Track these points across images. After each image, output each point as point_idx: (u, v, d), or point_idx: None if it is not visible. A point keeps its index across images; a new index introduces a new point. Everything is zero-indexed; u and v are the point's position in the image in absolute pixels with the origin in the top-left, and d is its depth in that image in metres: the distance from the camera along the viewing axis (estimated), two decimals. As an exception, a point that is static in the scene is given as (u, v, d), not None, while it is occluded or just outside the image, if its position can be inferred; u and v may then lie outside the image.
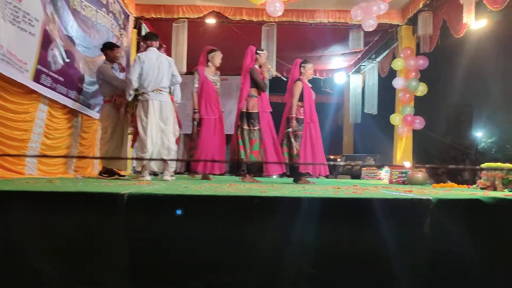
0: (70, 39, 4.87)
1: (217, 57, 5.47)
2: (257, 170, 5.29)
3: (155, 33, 4.87)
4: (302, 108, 4.96)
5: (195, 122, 5.38)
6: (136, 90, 4.42)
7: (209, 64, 5.47)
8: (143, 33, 7.94)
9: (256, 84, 4.97)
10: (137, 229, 1.93)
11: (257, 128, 4.94)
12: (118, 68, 5.26)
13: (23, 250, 1.90)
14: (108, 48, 4.97)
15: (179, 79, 4.76)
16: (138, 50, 7.69)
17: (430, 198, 1.98)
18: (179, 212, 1.94)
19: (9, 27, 3.54)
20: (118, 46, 5.11)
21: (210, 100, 5.41)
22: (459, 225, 1.94)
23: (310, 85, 5.13)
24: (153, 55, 4.47)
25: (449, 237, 1.92)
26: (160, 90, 4.41)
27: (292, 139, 4.89)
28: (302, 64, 5.12)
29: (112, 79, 4.81)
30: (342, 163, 10.77)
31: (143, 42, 4.65)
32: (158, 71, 4.41)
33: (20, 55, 3.70)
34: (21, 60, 3.73)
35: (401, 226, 1.96)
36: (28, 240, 1.90)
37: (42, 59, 4.13)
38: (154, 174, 5.10)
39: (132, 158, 5.38)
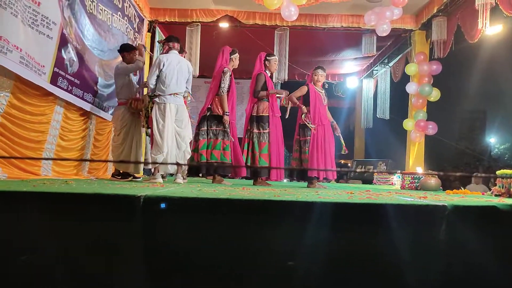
0: (86, 42, 4.94)
1: (237, 59, 5.26)
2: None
3: (176, 36, 4.85)
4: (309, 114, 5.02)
5: (227, 125, 4.98)
6: (153, 91, 4.44)
7: (231, 64, 5.19)
8: (157, 36, 8.03)
9: (255, 87, 5.03)
10: (153, 231, 1.95)
11: (267, 131, 5.01)
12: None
13: (39, 252, 1.92)
14: (125, 50, 4.99)
15: (189, 87, 4.81)
16: (152, 52, 7.80)
17: (446, 204, 1.97)
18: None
19: (28, 30, 3.61)
20: (136, 48, 5.14)
21: (234, 103, 5.24)
22: (475, 232, 1.93)
23: (321, 91, 5.16)
24: (175, 58, 4.50)
25: (464, 244, 1.91)
26: (177, 94, 4.44)
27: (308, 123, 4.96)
28: (314, 71, 5.21)
29: (132, 69, 4.87)
30: (353, 169, 10.72)
31: (166, 44, 4.63)
32: (177, 75, 4.45)
33: (38, 58, 3.76)
34: (38, 62, 3.79)
35: (416, 232, 1.95)
36: (44, 241, 1.92)
37: (59, 62, 4.20)
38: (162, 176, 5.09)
39: (145, 163, 5.36)
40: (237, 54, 5.24)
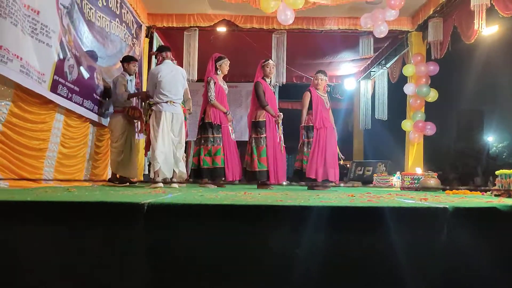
0: (85, 49, 4.96)
1: (225, 65, 5.48)
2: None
3: (167, 46, 5.06)
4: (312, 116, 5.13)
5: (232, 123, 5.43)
6: (152, 100, 4.67)
7: (218, 72, 5.46)
8: (154, 42, 8.05)
9: (257, 98, 5.20)
10: (156, 238, 1.97)
11: (264, 135, 5.15)
12: (135, 82, 5.45)
13: (42, 262, 1.94)
14: (125, 60, 5.24)
15: (188, 94, 5.19)
16: (150, 60, 7.84)
17: (447, 206, 1.99)
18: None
19: (28, 39, 3.63)
20: (135, 60, 5.29)
21: (225, 107, 5.45)
22: (476, 233, 1.94)
23: (323, 94, 5.26)
24: (168, 67, 4.69)
25: (466, 246, 1.93)
26: (174, 102, 4.62)
27: (304, 148, 5.06)
28: (315, 74, 5.33)
29: (118, 94, 5.06)
30: (352, 170, 10.73)
31: (159, 55, 4.83)
32: (173, 83, 4.63)
33: (38, 66, 3.78)
34: (39, 71, 3.80)
35: (417, 235, 1.96)
36: (47, 251, 1.94)
37: (59, 70, 4.21)
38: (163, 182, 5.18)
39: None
40: (223, 60, 5.48)
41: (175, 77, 4.69)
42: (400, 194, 3.81)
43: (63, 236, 1.96)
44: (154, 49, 8.00)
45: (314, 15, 7.73)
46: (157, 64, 4.91)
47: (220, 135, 5.31)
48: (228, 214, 2.01)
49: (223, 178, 5.40)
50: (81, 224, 2.00)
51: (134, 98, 5.48)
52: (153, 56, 5.24)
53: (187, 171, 6.36)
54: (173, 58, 5.15)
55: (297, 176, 5.34)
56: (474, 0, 5.60)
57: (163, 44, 8.43)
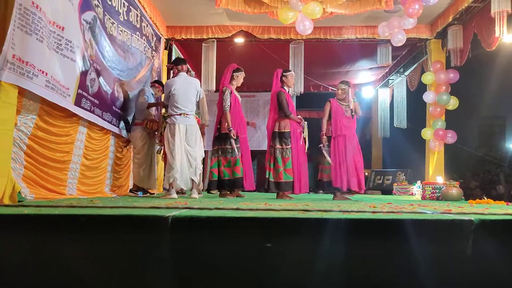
0: (106, 63, 5.06)
1: (241, 77, 5.56)
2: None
3: (183, 58, 5.16)
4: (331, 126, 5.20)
5: (233, 140, 5.29)
6: (165, 112, 4.80)
7: (233, 82, 5.51)
8: (173, 54, 8.17)
9: (281, 107, 5.20)
10: (181, 250, 1.99)
11: (289, 146, 5.17)
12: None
13: (69, 275, 1.98)
14: (157, 82, 5.73)
15: (202, 107, 5.34)
16: (169, 72, 7.96)
17: (472, 219, 1.96)
18: None
19: (53, 54, 3.72)
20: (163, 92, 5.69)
21: (241, 118, 5.51)
22: (503, 246, 1.92)
23: (344, 103, 5.32)
24: (183, 80, 4.77)
25: (492, 260, 1.90)
26: (187, 114, 4.69)
27: (326, 155, 5.13)
28: (338, 85, 5.51)
29: (138, 103, 5.28)
30: (371, 179, 10.64)
31: (175, 67, 4.90)
32: (186, 96, 4.72)
33: (62, 81, 3.86)
34: (63, 85, 3.89)
35: (441, 249, 1.94)
36: (74, 264, 1.98)
37: (82, 84, 4.30)
38: (181, 192, 5.25)
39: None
40: (240, 72, 5.53)
41: (188, 90, 4.76)
42: (422, 204, 3.76)
43: (90, 248, 2.00)
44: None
45: (332, 25, 7.76)
46: (173, 77, 4.97)
47: (238, 145, 5.36)
48: (251, 227, 2.02)
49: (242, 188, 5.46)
50: (107, 237, 2.04)
51: (154, 109, 5.58)
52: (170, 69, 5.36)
53: (204, 181, 6.45)
54: (191, 69, 5.21)
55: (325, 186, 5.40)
56: (494, 7, 5.56)
57: (181, 56, 8.55)
